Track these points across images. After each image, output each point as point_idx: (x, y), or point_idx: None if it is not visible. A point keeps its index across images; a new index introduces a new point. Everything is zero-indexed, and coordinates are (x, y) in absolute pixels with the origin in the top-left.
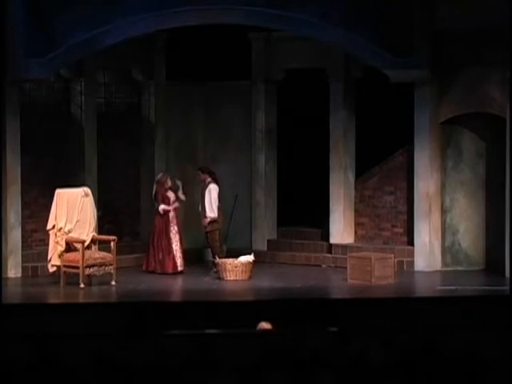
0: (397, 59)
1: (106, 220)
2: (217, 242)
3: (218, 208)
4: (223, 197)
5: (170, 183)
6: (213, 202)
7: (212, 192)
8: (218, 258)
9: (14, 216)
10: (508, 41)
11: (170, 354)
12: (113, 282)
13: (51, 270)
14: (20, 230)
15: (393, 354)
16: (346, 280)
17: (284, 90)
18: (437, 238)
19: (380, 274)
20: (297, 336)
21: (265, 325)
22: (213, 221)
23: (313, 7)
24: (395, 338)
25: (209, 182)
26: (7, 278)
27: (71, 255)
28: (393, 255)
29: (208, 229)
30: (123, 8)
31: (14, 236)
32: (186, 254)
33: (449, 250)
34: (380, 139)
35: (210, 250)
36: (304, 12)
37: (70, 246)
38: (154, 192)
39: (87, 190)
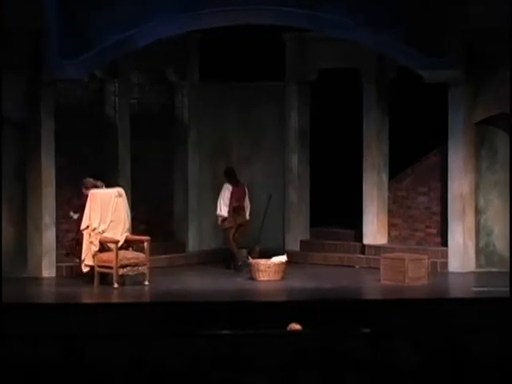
0: (429, 59)
1: (139, 220)
2: (230, 240)
3: (235, 207)
4: (256, 197)
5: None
6: (222, 200)
7: (223, 191)
8: (250, 258)
9: (48, 216)
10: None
11: (201, 354)
12: (146, 282)
13: (85, 269)
14: (54, 230)
15: (424, 356)
16: (379, 281)
17: (317, 91)
18: (471, 239)
19: (413, 275)
20: (328, 337)
21: (295, 326)
22: (224, 219)
23: (343, 7)
24: (427, 339)
25: (225, 182)
26: (42, 278)
27: (105, 255)
28: (426, 256)
29: (221, 227)
30: (156, 9)
31: (49, 236)
32: None
33: (483, 251)
34: (413, 140)
35: (243, 250)
36: (334, 12)
37: (103, 246)
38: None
39: (121, 190)
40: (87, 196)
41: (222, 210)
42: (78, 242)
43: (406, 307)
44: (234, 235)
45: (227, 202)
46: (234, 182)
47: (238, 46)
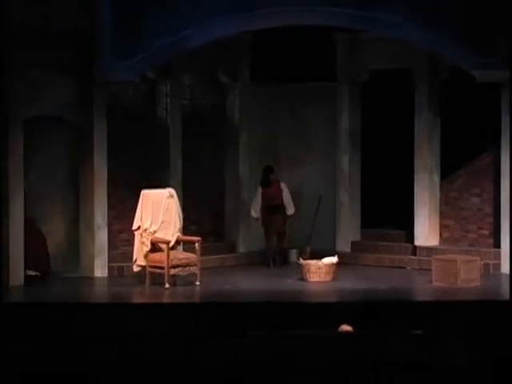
0: (482, 59)
1: (190, 221)
2: (266, 238)
3: (269, 207)
4: (307, 198)
5: None
6: (253, 202)
7: (256, 193)
8: (300, 259)
9: (100, 217)
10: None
11: (252, 355)
12: (197, 283)
13: (136, 269)
14: (106, 230)
15: (477, 358)
16: (431, 282)
17: (368, 91)
18: None
19: (466, 277)
20: (379, 338)
21: (346, 327)
22: (257, 220)
23: (396, 7)
24: (480, 341)
25: None
26: (94, 278)
27: (156, 255)
28: (479, 258)
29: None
30: (208, 10)
31: (101, 236)
32: None
33: None
34: (466, 140)
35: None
36: (387, 12)
37: (155, 247)
38: None
39: (172, 191)
40: None
41: (252, 211)
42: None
43: (458, 309)
44: (278, 233)
45: (254, 203)
46: (265, 183)
47: (289, 46)
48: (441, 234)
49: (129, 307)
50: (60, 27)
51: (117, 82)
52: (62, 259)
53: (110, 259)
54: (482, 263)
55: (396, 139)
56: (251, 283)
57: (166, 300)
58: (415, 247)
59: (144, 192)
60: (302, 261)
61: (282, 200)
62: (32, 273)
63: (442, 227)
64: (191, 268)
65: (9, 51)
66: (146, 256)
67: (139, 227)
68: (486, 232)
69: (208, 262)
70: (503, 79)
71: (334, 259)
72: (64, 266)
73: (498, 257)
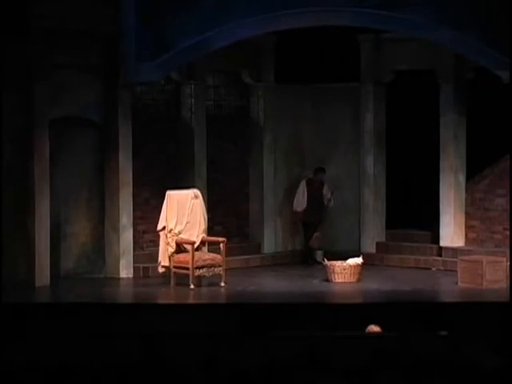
0: (508, 59)
1: (215, 222)
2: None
3: (309, 204)
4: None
5: None
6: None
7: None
8: (325, 260)
9: (125, 217)
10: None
11: (278, 356)
12: (222, 284)
13: (161, 270)
14: (132, 231)
15: (503, 359)
16: (457, 283)
17: (393, 92)
18: None
19: (491, 278)
20: (406, 339)
21: (374, 328)
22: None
23: (421, 8)
24: (506, 343)
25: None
26: (119, 279)
27: (181, 256)
28: (505, 258)
29: None
30: (233, 10)
31: (126, 237)
32: None
33: None
34: (492, 141)
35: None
36: (412, 13)
37: (180, 247)
38: None
39: (197, 191)
40: None
41: (295, 204)
42: None
43: (484, 310)
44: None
45: (299, 197)
46: (310, 180)
47: (313, 47)
48: (466, 235)
49: (153, 308)
50: (85, 29)
51: (141, 83)
52: (88, 260)
53: (136, 260)
54: (507, 264)
55: (421, 140)
56: (276, 284)
57: (190, 301)
58: (440, 248)
59: (169, 193)
60: (326, 261)
61: (322, 196)
62: None
63: (468, 228)
64: (216, 269)
65: (35, 53)
66: (170, 257)
67: (164, 228)
68: None
69: (233, 262)
70: None
71: (358, 260)
72: (89, 266)
73: None
